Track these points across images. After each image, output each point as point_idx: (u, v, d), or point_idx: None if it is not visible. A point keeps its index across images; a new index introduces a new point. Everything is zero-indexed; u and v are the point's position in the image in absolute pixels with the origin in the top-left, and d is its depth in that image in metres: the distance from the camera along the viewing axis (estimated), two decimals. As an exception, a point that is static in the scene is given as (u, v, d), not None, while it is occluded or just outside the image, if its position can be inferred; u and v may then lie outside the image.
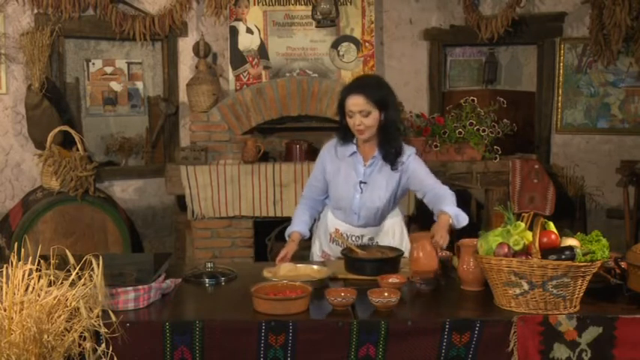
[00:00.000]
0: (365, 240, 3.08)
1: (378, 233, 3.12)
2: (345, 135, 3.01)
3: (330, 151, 3.10)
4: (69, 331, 2.06)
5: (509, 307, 2.30)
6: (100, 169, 4.88)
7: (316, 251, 3.25)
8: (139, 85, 5.45)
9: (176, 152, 4.90)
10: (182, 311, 2.46)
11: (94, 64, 5.29)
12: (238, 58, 5.26)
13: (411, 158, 3.00)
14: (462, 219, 2.83)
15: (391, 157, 2.97)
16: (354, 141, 3.02)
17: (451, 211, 2.80)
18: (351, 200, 3.01)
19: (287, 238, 3.08)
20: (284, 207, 4.68)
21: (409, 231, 5.00)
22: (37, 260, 2.11)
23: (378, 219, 3.09)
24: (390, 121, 2.93)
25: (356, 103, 2.87)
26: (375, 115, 2.89)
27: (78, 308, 2.06)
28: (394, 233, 3.14)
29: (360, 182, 3.01)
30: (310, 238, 3.26)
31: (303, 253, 3.55)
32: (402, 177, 3.01)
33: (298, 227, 3.08)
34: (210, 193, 4.67)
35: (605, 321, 2.25)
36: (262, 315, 2.26)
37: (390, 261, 2.78)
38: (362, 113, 2.87)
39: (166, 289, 2.52)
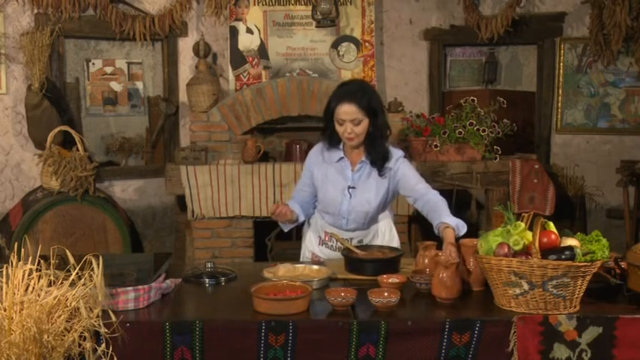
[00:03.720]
0: (354, 242, 3.05)
1: (367, 235, 3.10)
2: (332, 140, 3.00)
3: (317, 156, 3.08)
4: (69, 331, 2.06)
5: (509, 307, 2.30)
6: (100, 169, 4.88)
7: (305, 253, 3.22)
8: (139, 85, 5.45)
9: (176, 152, 4.90)
10: (182, 311, 2.46)
11: (94, 64, 5.28)
12: (238, 58, 5.26)
13: (399, 162, 2.98)
14: (462, 227, 2.81)
15: (378, 162, 2.95)
16: (341, 146, 3.01)
17: (452, 222, 2.78)
18: (340, 205, 3.00)
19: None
20: (284, 207, 4.68)
21: (410, 231, 5.08)
22: (37, 260, 2.11)
23: (367, 223, 3.06)
24: (378, 127, 2.91)
25: (348, 111, 2.84)
26: (365, 123, 2.87)
27: (78, 308, 2.06)
28: (384, 235, 3.12)
29: (349, 187, 2.98)
30: (300, 238, 3.27)
31: (295, 253, 3.55)
32: (391, 182, 2.99)
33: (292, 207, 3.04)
34: (210, 193, 4.67)
35: (605, 321, 2.24)
36: (262, 315, 2.26)
37: (390, 261, 2.78)
38: (354, 122, 2.85)
39: (166, 289, 2.52)
